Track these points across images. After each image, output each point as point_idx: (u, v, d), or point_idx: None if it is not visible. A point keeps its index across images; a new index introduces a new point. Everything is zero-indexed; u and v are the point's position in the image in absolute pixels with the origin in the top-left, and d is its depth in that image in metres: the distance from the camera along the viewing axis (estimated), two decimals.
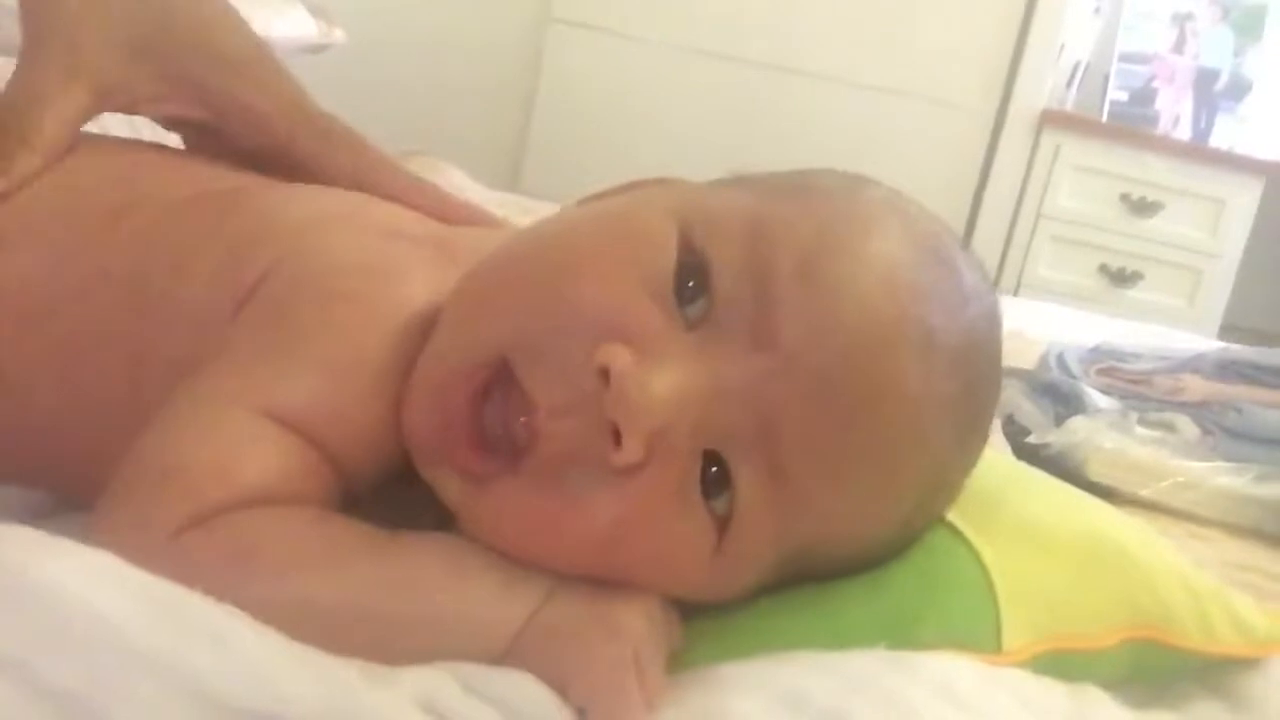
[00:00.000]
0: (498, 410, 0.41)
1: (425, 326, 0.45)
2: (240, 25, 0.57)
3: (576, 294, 0.41)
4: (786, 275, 0.41)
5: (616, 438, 0.38)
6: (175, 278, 0.48)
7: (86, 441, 0.47)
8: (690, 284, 0.41)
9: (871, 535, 0.45)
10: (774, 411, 0.40)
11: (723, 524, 0.41)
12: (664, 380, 0.39)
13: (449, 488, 0.42)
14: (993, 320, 0.46)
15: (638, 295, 0.41)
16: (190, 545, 0.38)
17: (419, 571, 0.40)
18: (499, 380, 0.41)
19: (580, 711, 0.38)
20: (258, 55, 0.57)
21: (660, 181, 0.50)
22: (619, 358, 0.39)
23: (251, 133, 0.56)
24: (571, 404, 0.39)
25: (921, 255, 0.44)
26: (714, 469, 0.40)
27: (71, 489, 0.49)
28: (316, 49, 1.92)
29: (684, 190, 0.47)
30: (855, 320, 0.40)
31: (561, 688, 0.38)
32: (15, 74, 0.52)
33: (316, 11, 1.91)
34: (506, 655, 0.38)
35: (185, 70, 0.54)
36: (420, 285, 0.47)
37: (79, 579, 0.33)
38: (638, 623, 0.40)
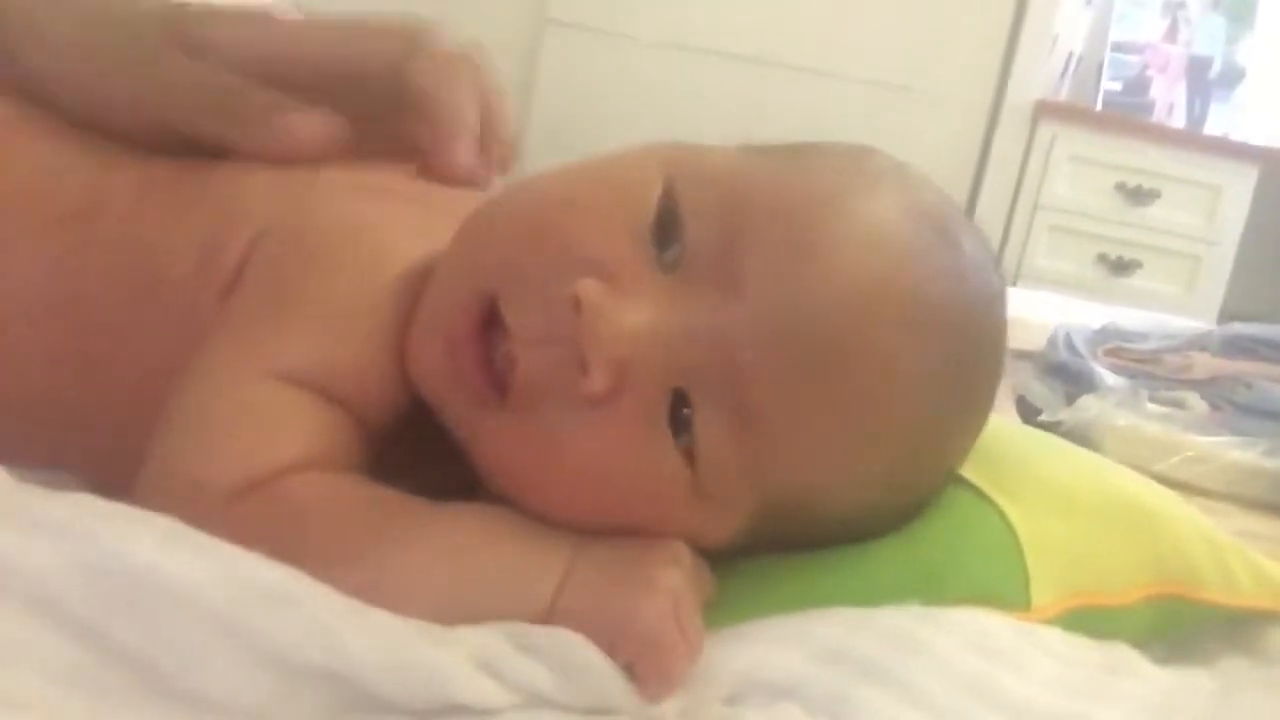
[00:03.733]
0: (501, 344, 0.42)
1: (419, 277, 0.46)
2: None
3: (559, 231, 0.43)
4: (758, 228, 0.41)
5: (585, 367, 0.40)
6: (160, 262, 0.48)
7: (110, 425, 0.48)
8: (670, 229, 0.42)
9: (852, 492, 0.45)
10: (740, 355, 0.41)
11: (691, 461, 0.41)
12: (633, 314, 0.40)
13: (461, 423, 0.43)
14: (991, 296, 0.46)
15: (617, 235, 0.42)
16: (244, 511, 0.39)
17: (459, 535, 0.41)
18: (494, 314, 0.42)
19: (627, 665, 0.38)
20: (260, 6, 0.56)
21: (660, 141, 0.50)
22: (591, 290, 0.40)
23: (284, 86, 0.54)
24: (547, 335, 0.41)
25: (916, 222, 0.44)
26: (685, 410, 0.41)
27: (99, 471, 0.50)
28: None
29: (681, 146, 0.48)
30: (826, 274, 0.41)
31: (608, 643, 0.38)
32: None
33: (310, 13, 1.92)
34: (550, 614, 0.39)
35: (207, 32, 0.53)
36: (409, 237, 0.48)
37: (147, 543, 0.34)
38: (672, 573, 0.41)
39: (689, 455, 0.41)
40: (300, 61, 0.54)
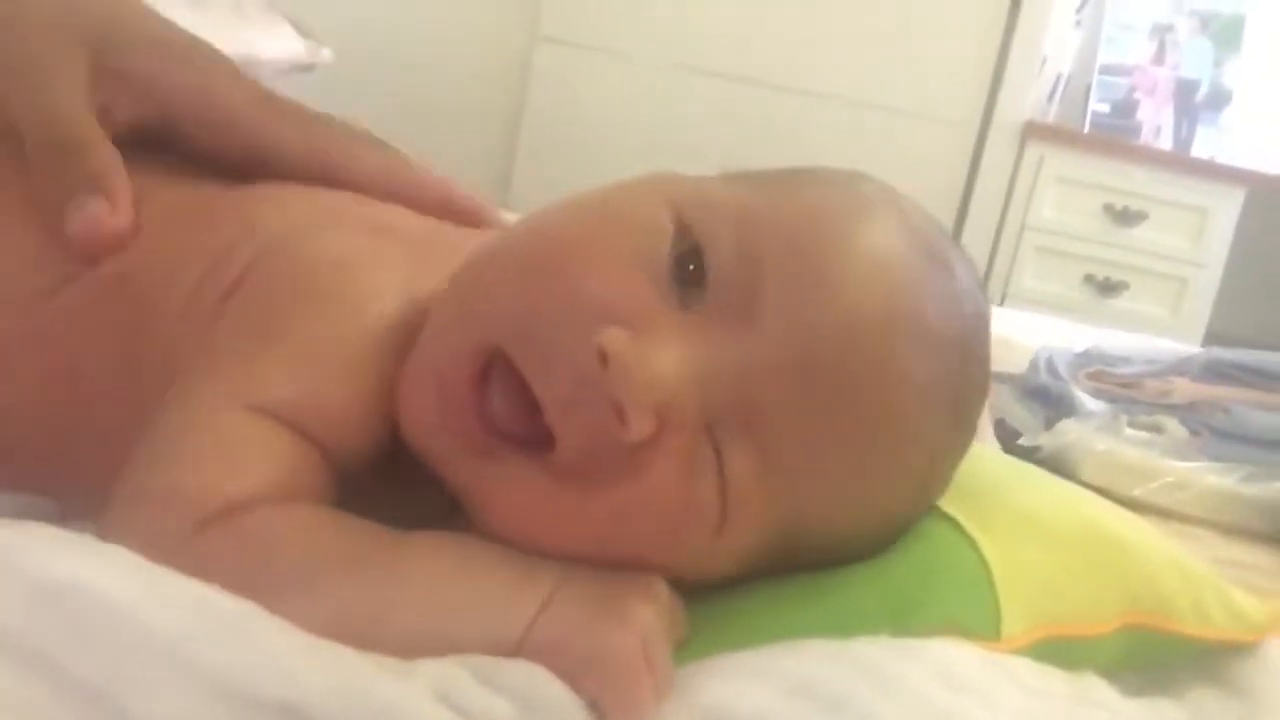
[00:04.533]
0: (500, 396, 0.42)
1: (410, 318, 0.45)
2: (151, 9, 0.54)
3: (572, 280, 0.42)
4: (777, 260, 0.41)
5: (623, 417, 0.39)
6: (165, 285, 0.48)
7: (89, 447, 0.48)
8: (687, 268, 0.42)
9: (857, 522, 0.45)
10: (760, 393, 0.41)
11: (722, 499, 0.41)
12: (663, 358, 0.40)
13: (452, 467, 0.43)
14: (982, 318, 0.47)
15: (632, 278, 0.42)
16: (206, 544, 0.39)
17: (431, 567, 0.41)
18: (496, 366, 0.42)
19: (592, 702, 0.38)
20: (188, 38, 0.54)
21: (656, 174, 0.51)
22: (616, 340, 0.39)
23: (209, 121, 0.53)
24: (576, 395, 0.40)
25: (915, 249, 0.44)
26: (714, 447, 0.41)
27: (72, 493, 0.50)
28: (305, 68, 1.93)
29: (678, 179, 0.48)
30: (842, 307, 0.41)
31: (573, 679, 0.38)
32: (19, 112, 0.50)
33: (304, 31, 1.92)
34: (519, 647, 0.39)
35: (125, 63, 0.51)
36: (402, 277, 0.47)
37: (101, 575, 0.34)
38: (646, 611, 0.40)
39: (721, 493, 0.41)
40: (213, 111, 0.53)
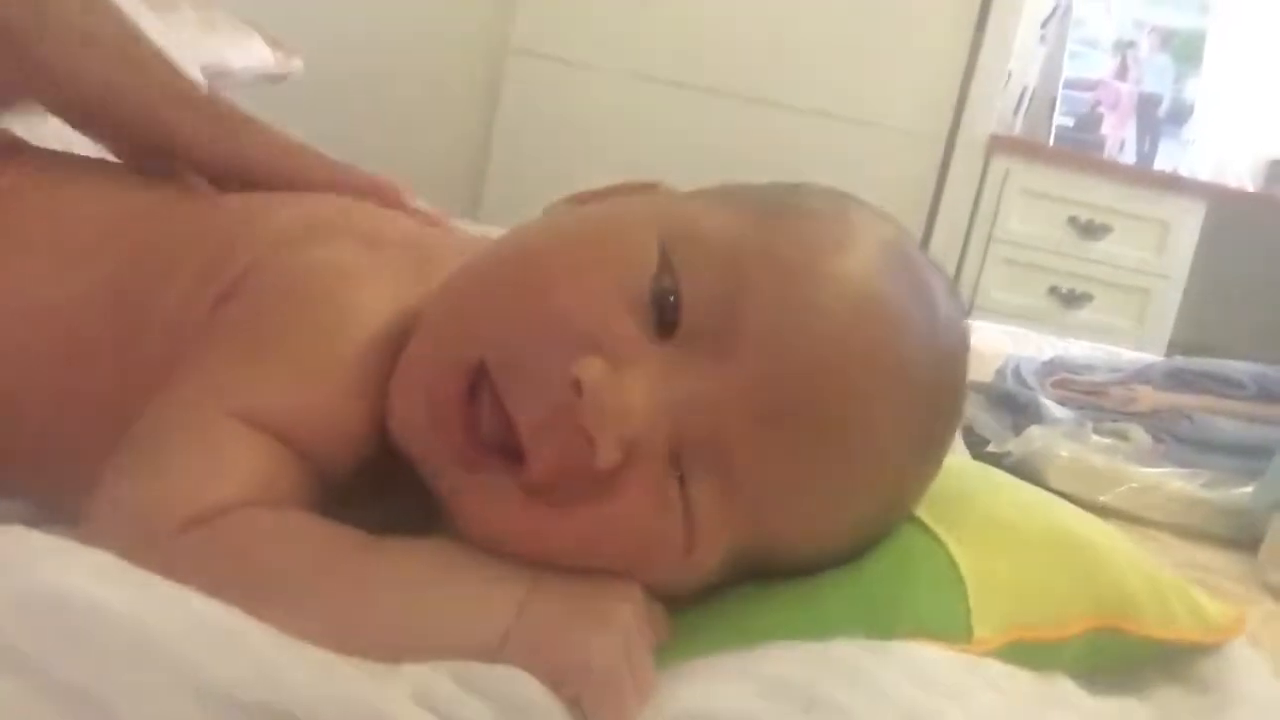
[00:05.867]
0: (488, 411, 0.42)
1: (399, 329, 0.46)
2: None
3: (553, 305, 0.42)
4: (757, 300, 0.42)
5: (593, 445, 0.40)
6: (157, 290, 0.48)
7: (74, 450, 0.48)
8: (668, 299, 0.42)
9: (822, 546, 0.47)
10: (730, 426, 0.41)
11: (687, 524, 0.42)
12: (636, 392, 0.40)
13: (441, 476, 0.43)
14: (959, 350, 0.48)
15: (613, 306, 0.42)
16: (187, 546, 0.39)
17: (409, 571, 0.41)
18: (483, 382, 0.42)
19: (573, 703, 0.38)
20: (118, 31, 0.55)
21: (646, 187, 0.51)
22: (591, 370, 0.40)
23: (122, 119, 0.54)
24: (550, 419, 0.41)
25: (896, 283, 0.44)
26: (679, 474, 0.42)
27: (55, 497, 0.50)
28: (275, 79, 1.92)
29: (667, 202, 0.49)
30: (818, 342, 0.42)
31: (555, 680, 0.38)
32: None
33: (274, 42, 1.92)
34: (500, 651, 0.39)
35: (40, 55, 0.52)
36: (392, 288, 0.48)
37: (85, 578, 0.34)
38: (625, 612, 0.41)
39: (686, 519, 0.42)
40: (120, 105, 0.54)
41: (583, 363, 0.40)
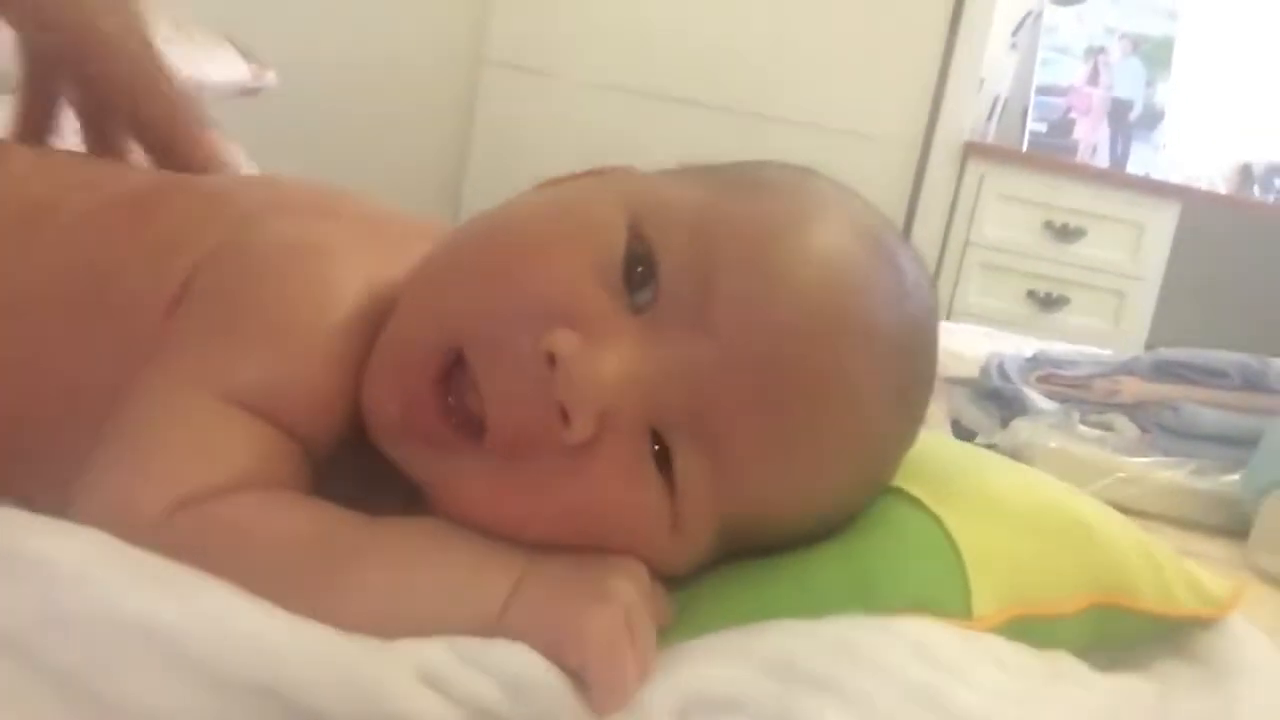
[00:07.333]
0: (461, 395, 0.42)
1: (367, 300, 0.46)
2: None
3: (526, 281, 0.42)
4: (729, 265, 0.42)
5: (566, 418, 0.40)
6: (105, 279, 0.48)
7: (45, 444, 0.47)
8: (638, 270, 0.42)
9: (810, 511, 0.46)
10: (710, 396, 0.41)
11: (672, 498, 0.42)
12: (609, 362, 0.40)
13: (416, 462, 0.43)
14: (929, 313, 0.48)
15: (586, 280, 0.42)
16: (178, 529, 0.38)
17: (406, 546, 0.41)
18: (457, 364, 0.42)
19: (575, 674, 0.38)
20: None
21: (614, 170, 0.51)
22: (565, 343, 0.40)
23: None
24: (521, 391, 0.40)
25: (864, 249, 0.45)
26: (658, 446, 0.42)
27: (31, 489, 0.49)
28: (249, 92, 1.91)
29: (635, 179, 0.49)
30: (792, 310, 0.42)
31: (556, 652, 0.38)
32: None
33: (248, 54, 1.91)
34: (499, 622, 0.39)
35: None
36: (356, 261, 0.47)
37: (75, 557, 0.33)
38: (627, 585, 0.40)
39: (669, 491, 0.42)
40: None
41: (555, 335, 0.40)
